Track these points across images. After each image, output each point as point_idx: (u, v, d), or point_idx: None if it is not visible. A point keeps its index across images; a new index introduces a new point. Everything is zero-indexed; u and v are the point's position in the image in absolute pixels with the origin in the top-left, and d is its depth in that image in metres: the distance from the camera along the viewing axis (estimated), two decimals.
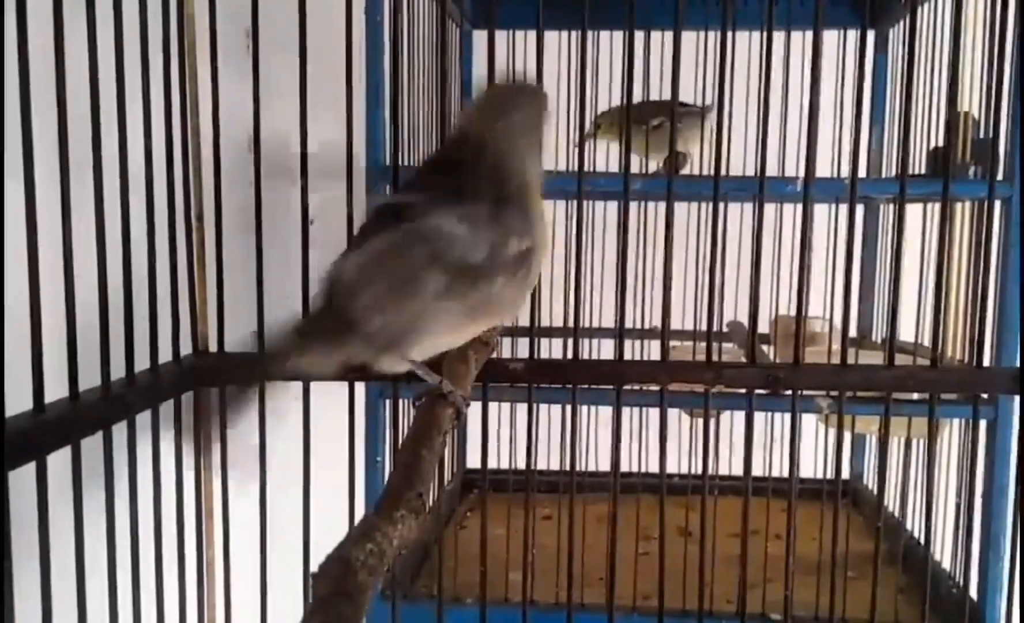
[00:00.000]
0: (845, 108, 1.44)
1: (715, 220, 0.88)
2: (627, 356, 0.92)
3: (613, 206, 1.51)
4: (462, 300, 0.71)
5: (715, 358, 0.91)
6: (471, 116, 0.79)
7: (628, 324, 0.95)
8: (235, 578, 0.88)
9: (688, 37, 1.47)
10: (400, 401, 1.07)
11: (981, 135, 1.22)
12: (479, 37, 1.62)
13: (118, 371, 0.74)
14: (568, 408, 0.92)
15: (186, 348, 0.87)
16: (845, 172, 1.49)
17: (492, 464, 1.07)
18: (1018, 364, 1.08)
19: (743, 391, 0.90)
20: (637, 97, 1.39)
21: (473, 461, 1.67)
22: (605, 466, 1.42)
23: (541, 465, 1.00)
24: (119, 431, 0.73)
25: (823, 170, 1.41)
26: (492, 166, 0.74)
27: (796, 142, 1.30)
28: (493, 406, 0.96)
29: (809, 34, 0.97)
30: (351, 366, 0.71)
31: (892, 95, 1.55)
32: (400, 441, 1.06)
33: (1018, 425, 0.99)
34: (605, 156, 1.47)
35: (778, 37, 1.35)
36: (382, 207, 0.76)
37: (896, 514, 1.33)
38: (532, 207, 0.75)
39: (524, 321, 0.94)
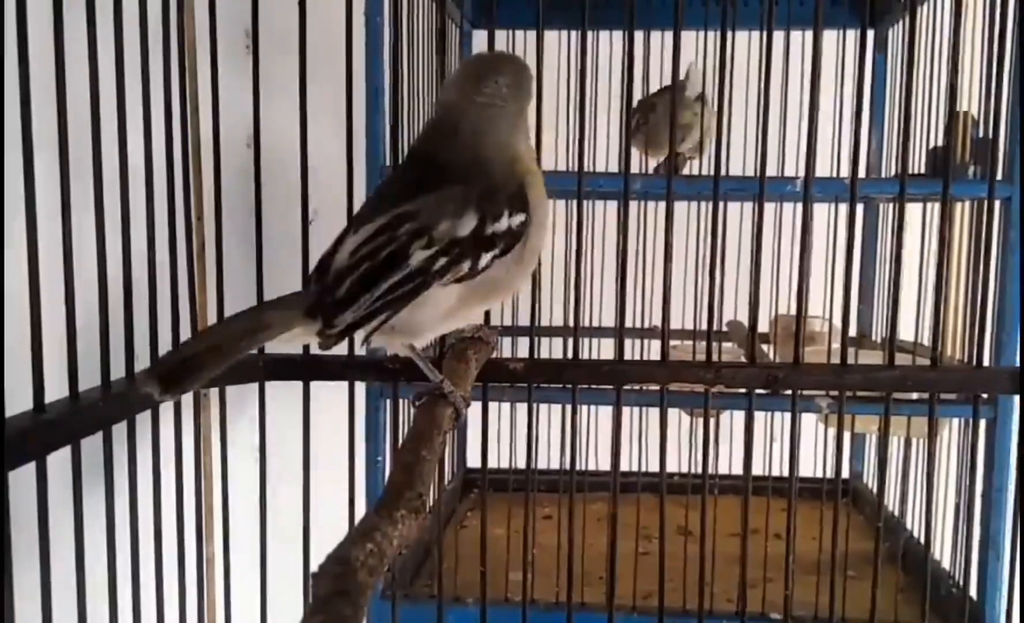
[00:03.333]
0: (845, 108, 1.44)
1: (715, 220, 0.88)
2: (627, 356, 0.92)
3: (613, 206, 1.51)
4: (452, 279, 0.70)
5: (715, 358, 0.91)
6: (450, 94, 0.75)
7: (628, 324, 0.95)
8: (235, 578, 0.88)
9: (688, 37, 1.47)
10: (400, 401, 1.07)
11: (981, 135, 1.22)
12: (479, 37, 1.62)
13: (118, 371, 0.74)
14: (568, 408, 0.92)
15: None
16: (845, 172, 1.49)
17: (492, 464, 1.06)
18: (1018, 364, 1.08)
19: (743, 391, 0.90)
20: (637, 99, 1.40)
21: (473, 461, 1.67)
22: (605, 466, 1.42)
23: (541, 465, 1.01)
24: (119, 431, 0.73)
25: (823, 170, 1.41)
26: (476, 147, 0.72)
27: (796, 142, 1.30)
28: (493, 406, 0.96)
29: (809, 34, 0.98)
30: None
31: (892, 95, 1.55)
32: (400, 441, 1.06)
33: (1018, 425, 0.99)
34: (605, 156, 1.47)
35: (778, 37, 1.35)
36: (373, 198, 0.75)
37: (896, 514, 1.33)
38: (530, 183, 0.73)
39: (524, 321, 0.94)
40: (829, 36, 1.44)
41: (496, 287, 0.74)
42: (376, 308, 0.67)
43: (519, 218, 0.72)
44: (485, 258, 0.70)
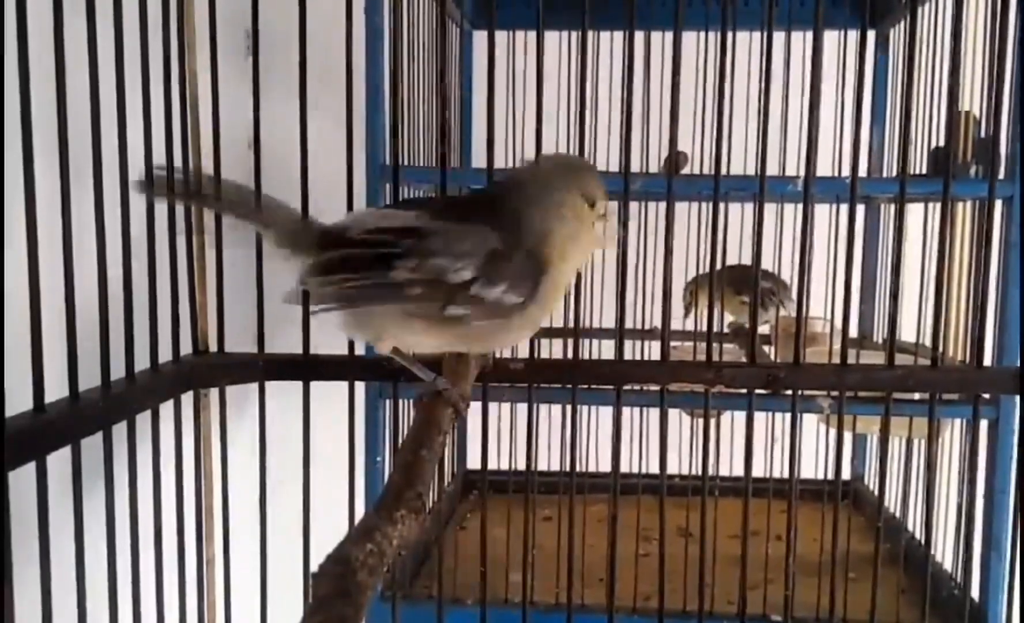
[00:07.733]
0: (845, 108, 1.44)
1: (715, 220, 0.88)
2: (627, 356, 0.92)
3: (613, 206, 1.51)
4: (423, 308, 0.70)
5: (715, 358, 0.91)
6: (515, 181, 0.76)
7: (628, 324, 0.95)
8: (235, 578, 0.88)
9: (688, 37, 1.47)
10: (400, 401, 1.07)
11: (982, 134, 1.22)
12: (479, 37, 1.62)
13: (118, 371, 0.74)
14: (568, 408, 0.92)
15: (186, 348, 0.87)
16: (845, 172, 1.49)
17: (492, 465, 1.06)
18: (1019, 364, 1.08)
19: (743, 391, 0.90)
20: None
21: (473, 461, 1.67)
22: (605, 466, 1.42)
23: (541, 466, 1.00)
24: (119, 431, 0.73)
25: (823, 169, 1.41)
26: (512, 216, 0.72)
27: (796, 142, 1.30)
28: (493, 406, 0.96)
29: (809, 34, 0.97)
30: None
31: (892, 95, 1.55)
32: (400, 441, 1.06)
33: (1019, 425, 0.99)
34: (605, 156, 1.47)
35: (778, 37, 1.35)
36: (436, 199, 0.76)
37: (897, 515, 1.33)
38: (547, 271, 0.72)
39: None
40: (830, 36, 1.44)
41: (475, 338, 0.73)
42: (344, 294, 0.69)
43: (514, 297, 0.70)
44: (454, 310, 0.69)
